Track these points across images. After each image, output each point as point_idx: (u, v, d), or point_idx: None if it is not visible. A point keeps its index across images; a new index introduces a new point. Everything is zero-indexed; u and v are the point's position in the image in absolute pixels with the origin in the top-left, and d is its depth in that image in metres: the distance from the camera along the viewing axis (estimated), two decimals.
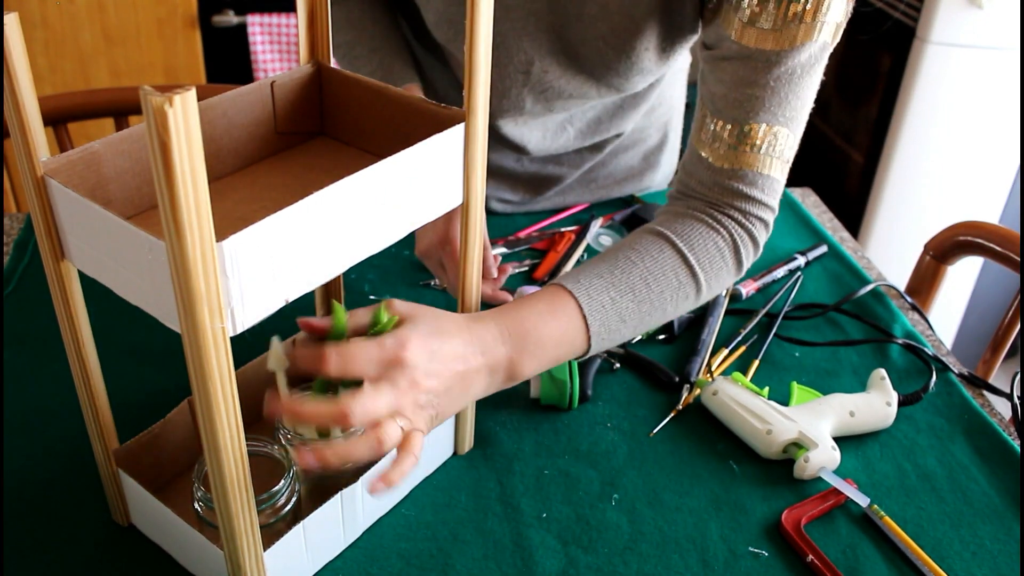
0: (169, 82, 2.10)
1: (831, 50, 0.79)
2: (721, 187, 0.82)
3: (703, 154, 0.83)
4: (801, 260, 1.12)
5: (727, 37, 0.78)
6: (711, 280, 0.81)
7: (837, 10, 0.76)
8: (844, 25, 0.77)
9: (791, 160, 0.82)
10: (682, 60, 1.21)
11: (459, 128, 0.65)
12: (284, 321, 0.72)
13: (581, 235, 1.13)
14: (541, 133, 1.09)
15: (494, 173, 1.15)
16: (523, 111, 1.03)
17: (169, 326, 0.53)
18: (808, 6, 0.74)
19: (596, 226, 1.15)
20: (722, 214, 0.82)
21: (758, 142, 0.79)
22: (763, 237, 0.84)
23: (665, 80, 1.15)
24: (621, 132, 1.15)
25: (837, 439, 0.85)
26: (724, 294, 1.04)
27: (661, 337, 0.98)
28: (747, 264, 0.84)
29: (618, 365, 0.94)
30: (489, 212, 1.20)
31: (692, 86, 1.45)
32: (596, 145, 1.16)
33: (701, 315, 1.00)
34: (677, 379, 0.92)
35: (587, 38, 0.91)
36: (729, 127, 0.80)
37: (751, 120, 0.79)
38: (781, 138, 0.80)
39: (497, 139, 1.08)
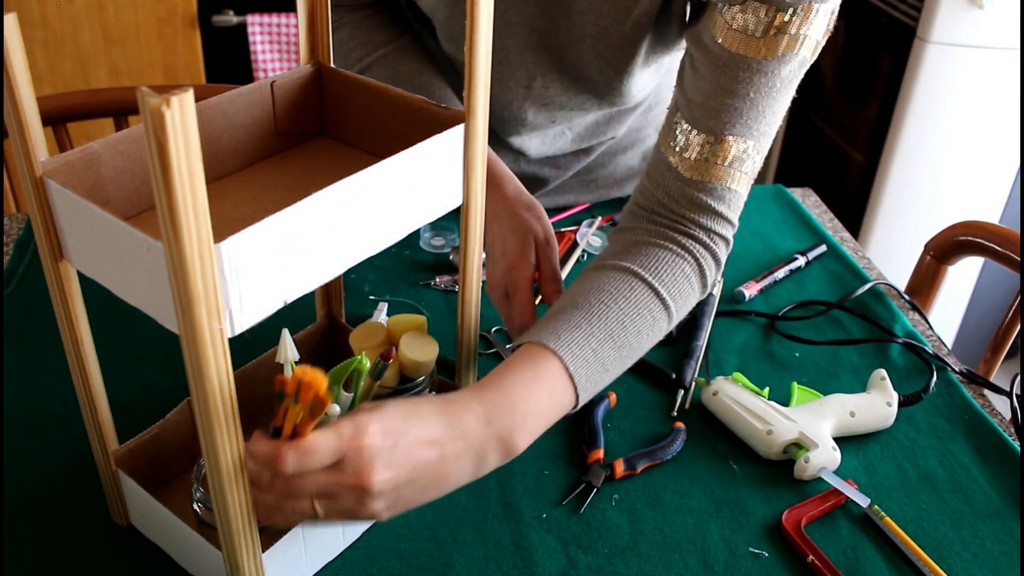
0: (169, 82, 2.10)
1: (807, 68, 0.77)
2: (688, 199, 0.79)
3: (671, 161, 0.80)
4: (801, 260, 1.12)
5: (712, 39, 0.76)
6: (680, 308, 0.79)
7: (819, 27, 0.75)
8: (822, 45, 0.76)
9: (754, 178, 0.81)
10: (677, 61, 1.21)
11: (459, 129, 0.65)
12: (284, 321, 0.72)
13: (575, 243, 1.13)
14: (540, 140, 1.10)
15: None
16: (525, 123, 1.03)
17: (167, 327, 0.53)
18: (794, 18, 0.73)
19: (587, 229, 1.15)
20: (686, 236, 0.80)
21: (730, 156, 0.77)
22: (724, 255, 0.82)
23: (661, 80, 1.15)
24: (615, 135, 1.16)
25: (837, 439, 0.85)
26: (716, 295, 1.04)
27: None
28: (711, 284, 0.82)
29: None
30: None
31: None
32: (589, 148, 1.16)
33: (696, 317, 1.00)
34: (674, 376, 0.92)
35: (585, 58, 0.92)
36: (702, 137, 0.78)
37: (726, 132, 0.77)
38: (751, 153, 0.78)
39: (497, 144, 1.09)
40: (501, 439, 0.65)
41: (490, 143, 1.08)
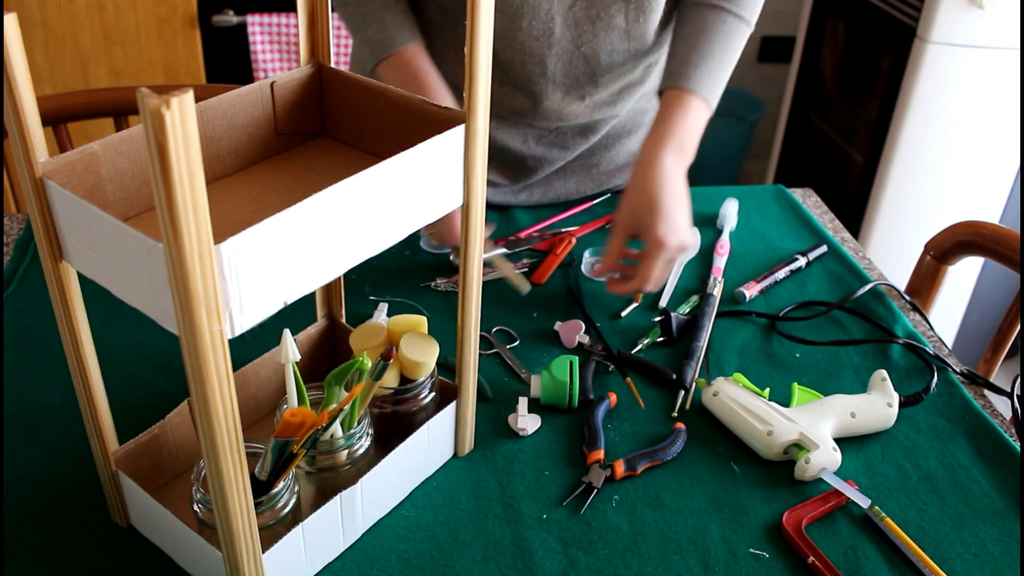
0: (169, 82, 2.10)
1: None
2: None
3: None
4: (802, 260, 1.12)
5: None
6: (755, 17, 1.06)
7: None
8: None
9: None
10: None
11: (459, 129, 0.65)
12: (284, 321, 0.72)
13: (575, 246, 1.12)
14: (562, 94, 1.11)
15: (496, 156, 1.16)
16: (552, 40, 1.04)
17: (167, 328, 0.53)
18: None
19: (591, 259, 1.11)
20: None
21: None
22: None
23: (662, 63, 1.16)
24: (617, 115, 1.18)
25: (838, 440, 0.85)
26: (716, 295, 1.04)
27: (660, 339, 0.98)
28: None
29: (613, 367, 0.94)
30: (488, 203, 1.20)
31: None
32: (592, 126, 1.17)
33: (696, 317, 1.00)
34: (675, 376, 0.92)
35: None
36: None
37: None
38: None
39: (517, 93, 1.09)
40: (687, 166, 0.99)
41: (511, 93, 1.10)
